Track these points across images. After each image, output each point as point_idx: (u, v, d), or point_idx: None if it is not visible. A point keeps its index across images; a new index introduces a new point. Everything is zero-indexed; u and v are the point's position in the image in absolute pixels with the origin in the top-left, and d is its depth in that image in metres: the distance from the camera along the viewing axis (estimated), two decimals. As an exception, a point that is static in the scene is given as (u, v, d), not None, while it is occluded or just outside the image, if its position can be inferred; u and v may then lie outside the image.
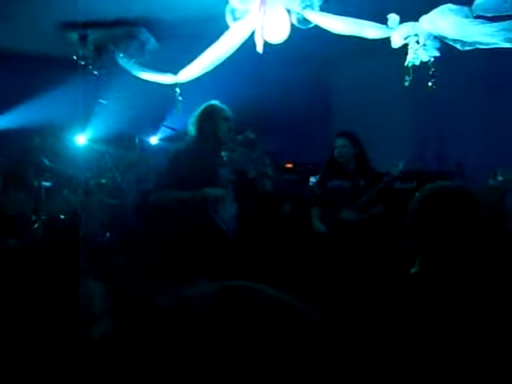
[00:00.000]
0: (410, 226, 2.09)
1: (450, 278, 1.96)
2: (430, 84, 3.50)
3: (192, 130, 4.28)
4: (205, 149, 4.16)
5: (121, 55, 5.60)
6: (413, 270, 2.04)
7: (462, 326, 1.83)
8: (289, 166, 6.84)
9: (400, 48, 3.71)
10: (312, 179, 6.35)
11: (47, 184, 5.87)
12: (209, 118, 4.25)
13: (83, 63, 5.59)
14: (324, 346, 0.72)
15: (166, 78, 5.27)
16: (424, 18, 3.42)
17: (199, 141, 4.20)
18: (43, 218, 4.35)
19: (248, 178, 4.25)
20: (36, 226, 4.31)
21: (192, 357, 0.65)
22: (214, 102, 4.38)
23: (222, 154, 4.25)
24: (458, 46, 3.28)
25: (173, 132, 6.86)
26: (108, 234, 5.68)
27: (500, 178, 2.42)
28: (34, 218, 4.62)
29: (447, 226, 1.98)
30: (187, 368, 0.64)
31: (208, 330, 0.67)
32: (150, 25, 5.54)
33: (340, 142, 4.94)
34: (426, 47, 3.43)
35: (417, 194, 2.11)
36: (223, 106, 4.35)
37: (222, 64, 4.71)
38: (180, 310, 0.71)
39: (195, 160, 4.06)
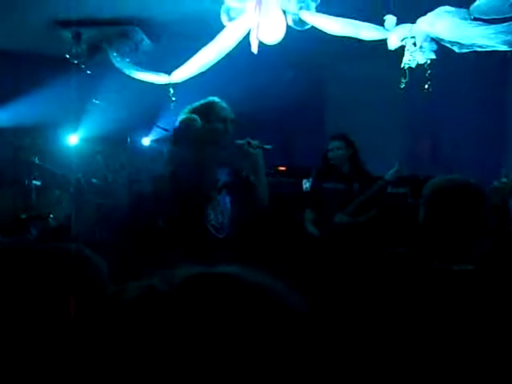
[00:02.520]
0: (422, 220, 2.08)
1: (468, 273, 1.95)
2: (426, 86, 3.48)
3: (186, 127, 3.86)
4: (199, 151, 3.79)
5: (114, 54, 5.56)
6: (434, 266, 2.01)
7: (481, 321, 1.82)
8: (282, 168, 6.80)
9: (395, 50, 3.69)
10: (305, 182, 6.32)
11: (38, 183, 5.82)
12: (205, 116, 3.80)
13: (76, 62, 5.55)
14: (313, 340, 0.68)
15: (159, 78, 5.24)
16: (421, 20, 3.40)
17: (193, 141, 3.93)
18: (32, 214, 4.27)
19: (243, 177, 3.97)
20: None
21: (154, 348, 0.62)
22: (213, 98, 3.90)
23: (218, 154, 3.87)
24: (456, 49, 3.26)
25: (166, 133, 6.81)
26: (98, 234, 5.64)
27: (504, 180, 2.39)
28: (23, 216, 4.58)
29: (458, 217, 1.99)
30: (149, 360, 0.62)
31: (171, 322, 0.64)
32: (144, 24, 5.51)
33: (334, 144, 4.90)
34: (422, 49, 3.41)
35: (424, 190, 2.11)
36: (224, 105, 3.87)
37: (217, 64, 4.69)
38: (144, 299, 0.68)
39: (190, 164, 3.81)
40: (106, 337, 0.66)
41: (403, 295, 1.98)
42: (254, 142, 3.85)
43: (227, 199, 3.92)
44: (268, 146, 3.86)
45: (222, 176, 3.89)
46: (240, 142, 3.83)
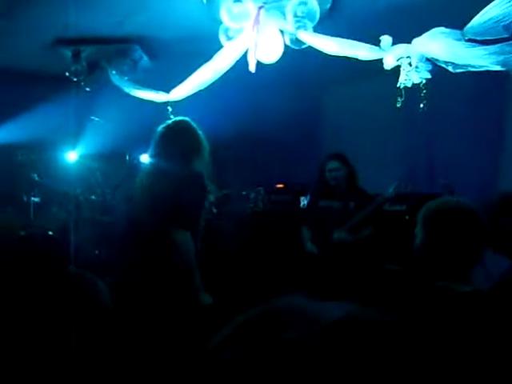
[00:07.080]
0: (420, 241, 2.11)
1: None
2: (421, 106, 3.52)
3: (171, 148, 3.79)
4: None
5: (113, 72, 5.60)
6: (438, 283, 2.03)
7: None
8: (280, 186, 6.83)
9: (391, 70, 3.74)
10: (303, 199, 6.35)
11: (36, 200, 5.84)
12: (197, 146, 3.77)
13: (75, 80, 5.58)
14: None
15: (158, 96, 5.27)
16: (417, 40, 3.45)
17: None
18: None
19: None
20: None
21: None
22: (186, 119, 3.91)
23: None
24: (450, 68, 3.31)
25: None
26: (97, 252, 5.64)
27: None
28: (22, 233, 4.59)
29: (453, 238, 2.02)
30: None
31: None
32: (144, 42, 5.55)
33: (332, 164, 4.90)
34: (418, 69, 3.45)
35: (420, 212, 2.13)
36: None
37: (214, 83, 4.72)
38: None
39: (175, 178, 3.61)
40: None
41: (407, 313, 1.96)
42: None
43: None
44: None
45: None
46: None
